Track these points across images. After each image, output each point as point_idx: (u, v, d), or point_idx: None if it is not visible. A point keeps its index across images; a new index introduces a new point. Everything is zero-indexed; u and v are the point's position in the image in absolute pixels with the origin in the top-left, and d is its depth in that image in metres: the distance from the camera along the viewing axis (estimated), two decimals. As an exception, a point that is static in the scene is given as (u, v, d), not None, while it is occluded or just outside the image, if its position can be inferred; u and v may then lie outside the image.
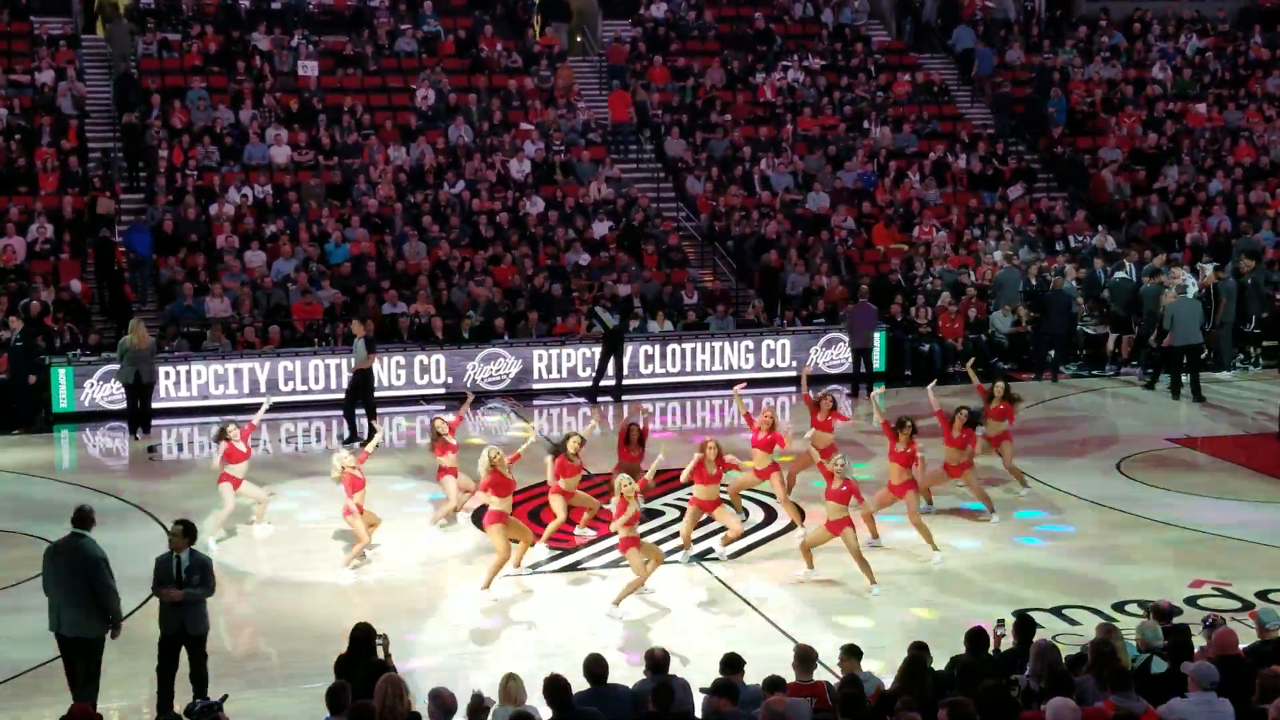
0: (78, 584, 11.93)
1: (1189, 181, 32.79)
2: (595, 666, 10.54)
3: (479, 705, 9.87)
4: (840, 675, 10.94)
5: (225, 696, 10.41)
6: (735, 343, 26.33)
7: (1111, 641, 10.62)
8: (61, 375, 23.49)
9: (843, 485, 15.45)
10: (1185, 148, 33.87)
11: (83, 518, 12.28)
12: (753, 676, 10.62)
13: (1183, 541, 17.43)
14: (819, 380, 25.43)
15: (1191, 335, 24.95)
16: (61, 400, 23.51)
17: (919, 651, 10.71)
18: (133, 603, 13.53)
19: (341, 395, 23.22)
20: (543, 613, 15.23)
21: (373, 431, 19.17)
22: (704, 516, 16.78)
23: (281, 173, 29.20)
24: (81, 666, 12.05)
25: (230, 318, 25.33)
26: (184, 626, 12.27)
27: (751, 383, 25.73)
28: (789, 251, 28.68)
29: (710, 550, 16.88)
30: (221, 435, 17.41)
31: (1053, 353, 26.78)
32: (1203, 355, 25.91)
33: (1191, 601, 14.99)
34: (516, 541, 15.82)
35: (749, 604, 15.39)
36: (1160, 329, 25.29)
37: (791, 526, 17.49)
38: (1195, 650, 10.94)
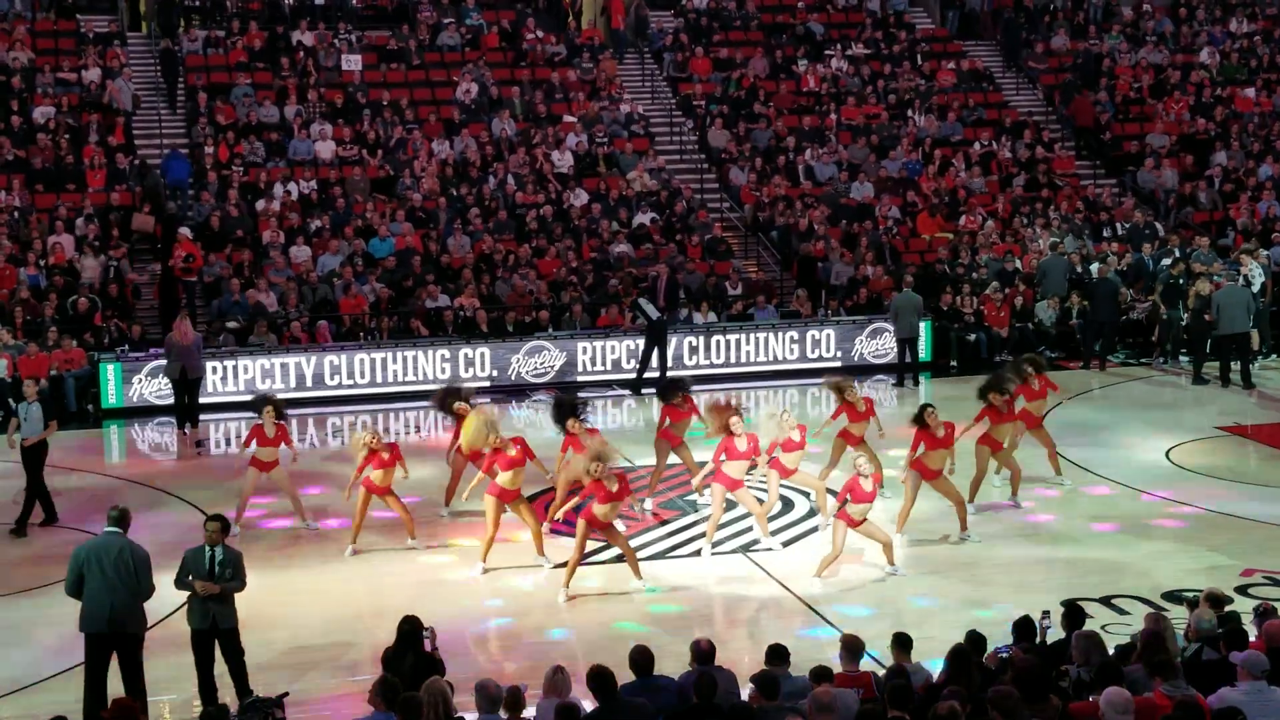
0: (126, 581, 12.00)
1: (1238, 167, 32.51)
2: (641, 658, 10.53)
3: (515, 699, 9.90)
4: (888, 666, 10.91)
5: (286, 694, 10.42)
6: (780, 333, 26.26)
7: (1160, 631, 10.54)
8: (110, 371, 23.69)
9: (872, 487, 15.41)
10: (1234, 133, 33.57)
11: (120, 518, 12.36)
12: (800, 667, 10.58)
13: (1234, 530, 17.26)
14: (863, 371, 25.52)
15: (1238, 323, 24.73)
16: (110, 396, 23.71)
17: (966, 643, 10.66)
18: (180, 598, 13.59)
19: (378, 390, 23.29)
20: (585, 606, 15.25)
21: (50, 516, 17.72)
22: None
23: (326, 168, 29.34)
24: (126, 663, 12.11)
25: (276, 313, 25.47)
26: (215, 622, 12.33)
27: (796, 373, 25.82)
28: (831, 241, 28.60)
29: (755, 541, 16.84)
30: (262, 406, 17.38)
31: (1099, 341, 26.59)
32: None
33: (1243, 590, 14.86)
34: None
35: (794, 594, 15.34)
36: (1193, 316, 25.18)
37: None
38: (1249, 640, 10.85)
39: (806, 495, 18.25)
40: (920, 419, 16.60)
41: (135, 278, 26.52)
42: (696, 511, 17.94)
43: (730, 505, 17.18)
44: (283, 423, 17.43)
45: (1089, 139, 33.67)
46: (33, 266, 25.71)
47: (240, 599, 12.55)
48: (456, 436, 17.70)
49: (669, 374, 24.03)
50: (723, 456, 16.39)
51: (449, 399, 18.04)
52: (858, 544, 15.96)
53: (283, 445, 17.44)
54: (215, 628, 12.33)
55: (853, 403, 17.94)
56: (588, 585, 15.49)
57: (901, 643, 10.89)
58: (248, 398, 18.10)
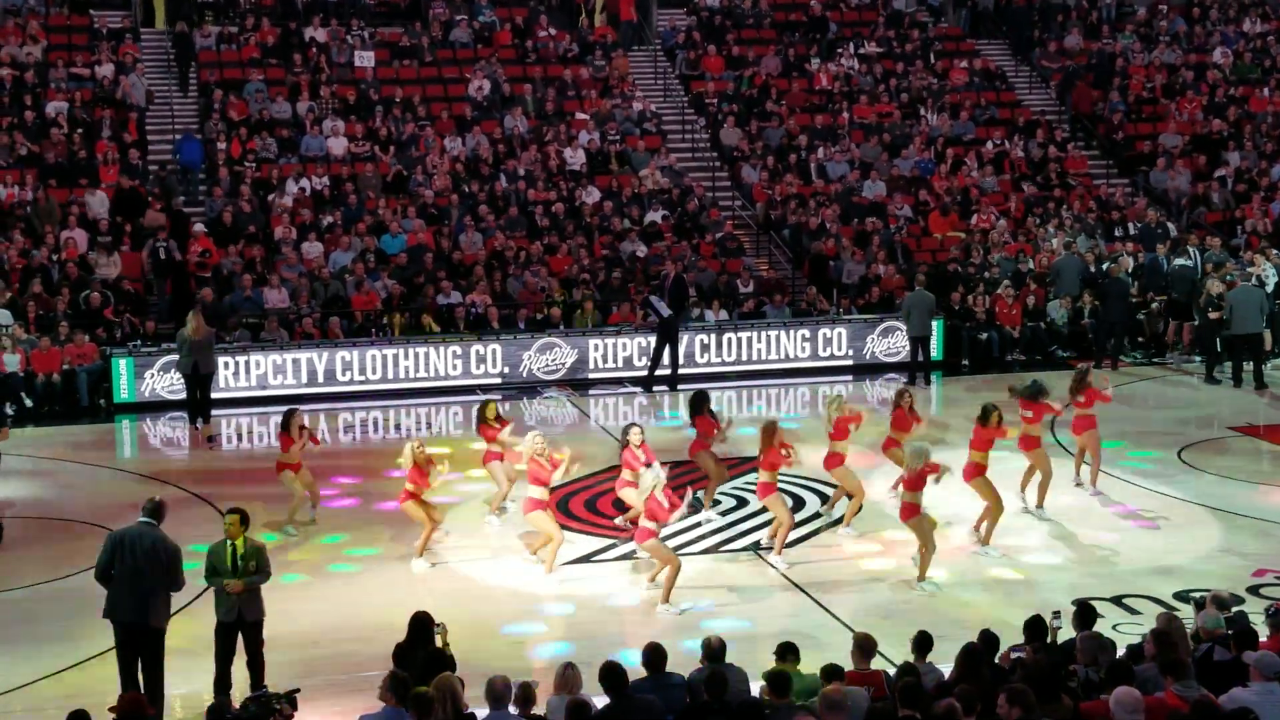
0: (157, 573, 12.05)
1: (1250, 167, 32.44)
2: (653, 655, 10.54)
3: (527, 694, 9.92)
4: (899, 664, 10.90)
5: (298, 690, 10.45)
6: (791, 331, 26.25)
7: (1171, 631, 10.53)
8: (122, 366, 23.74)
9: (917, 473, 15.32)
10: (1247, 133, 33.49)
11: (155, 510, 12.39)
12: (811, 665, 10.59)
13: (1246, 530, 17.24)
14: (875, 370, 25.51)
15: (1250, 324, 24.69)
16: (122, 390, 23.76)
17: (977, 642, 10.65)
18: (194, 591, 13.64)
19: (389, 386, 23.29)
20: (597, 603, 15.25)
21: None
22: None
23: (338, 164, 29.36)
24: (148, 655, 12.15)
25: (288, 309, 25.50)
26: (241, 614, 12.41)
27: (807, 372, 25.81)
28: (842, 239, 28.59)
29: (759, 542, 16.82)
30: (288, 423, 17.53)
31: (1111, 340, 26.56)
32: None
33: (1254, 591, 14.85)
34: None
35: (806, 592, 15.34)
36: (1205, 315, 25.19)
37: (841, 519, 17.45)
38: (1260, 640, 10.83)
39: (824, 497, 18.17)
40: (985, 418, 16.68)
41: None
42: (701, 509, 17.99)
43: (742, 503, 17.15)
44: (305, 427, 17.74)
45: (1087, 125, 33.61)
46: (46, 258, 25.75)
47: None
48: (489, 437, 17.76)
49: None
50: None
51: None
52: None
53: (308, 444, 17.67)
54: (241, 619, 12.41)
55: (904, 410, 17.99)
56: (594, 585, 15.50)
57: (920, 644, 10.88)
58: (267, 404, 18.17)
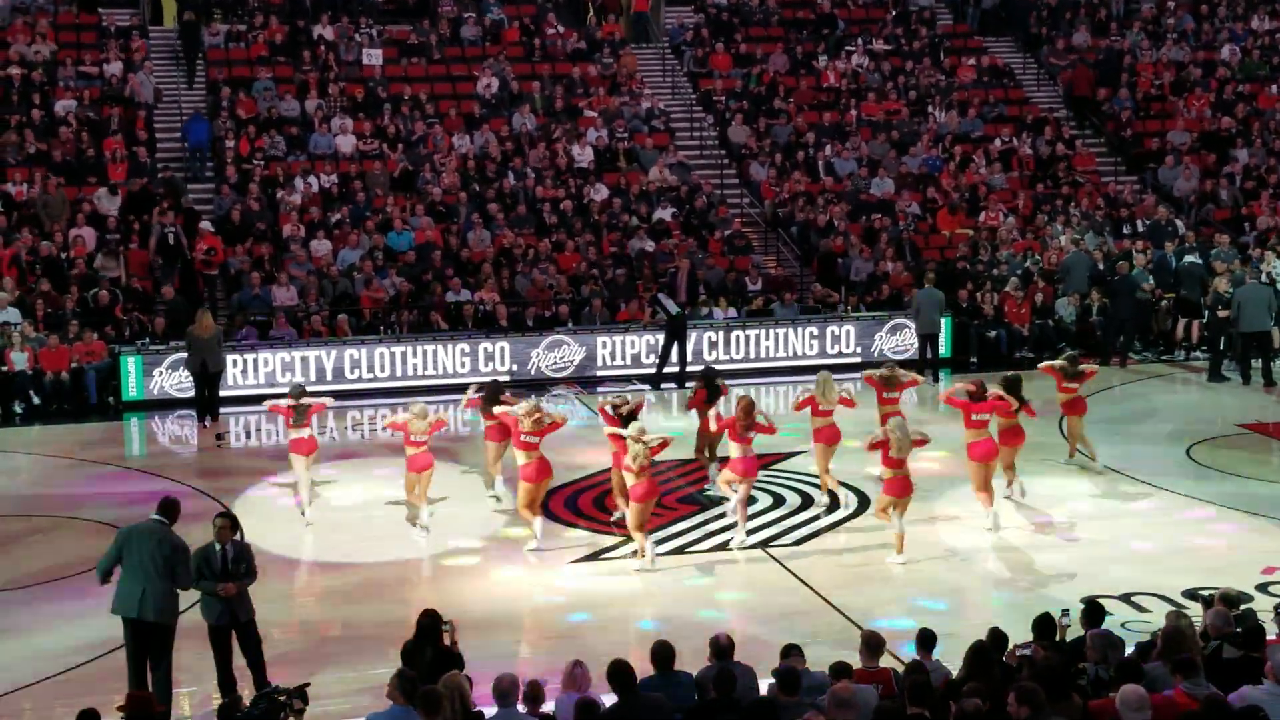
0: (164, 570, 12.06)
1: (1259, 164, 32.37)
2: (662, 652, 10.53)
3: (535, 693, 9.91)
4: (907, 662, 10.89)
5: (308, 684, 10.45)
6: (800, 329, 26.25)
7: (1181, 629, 10.51)
8: (131, 364, 23.77)
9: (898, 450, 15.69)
10: (1255, 130, 33.42)
11: (169, 508, 12.38)
12: (819, 663, 10.57)
13: (1255, 528, 17.21)
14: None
15: (1259, 321, 24.65)
16: (131, 388, 23.79)
17: (987, 640, 10.64)
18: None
19: (398, 384, 23.46)
20: (605, 600, 15.25)
21: None
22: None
23: (347, 162, 29.37)
24: (156, 652, 12.15)
25: (296, 306, 25.52)
26: (234, 615, 12.38)
27: (816, 369, 25.74)
28: (850, 237, 28.58)
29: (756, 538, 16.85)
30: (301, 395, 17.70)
31: (1120, 338, 26.54)
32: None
33: (1263, 589, 14.83)
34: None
35: (816, 591, 15.33)
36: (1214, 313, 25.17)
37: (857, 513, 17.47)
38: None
39: (833, 494, 18.17)
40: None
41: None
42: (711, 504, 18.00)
43: (749, 501, 17.18)
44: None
45: (1089, 115, 33.57)
46: (54, 254, 25.77)
47: (258, 590, 12.60)
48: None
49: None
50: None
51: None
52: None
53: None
54: (234, 620, 12.39)
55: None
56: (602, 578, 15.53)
57: (924, 640, 10.88)
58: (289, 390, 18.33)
